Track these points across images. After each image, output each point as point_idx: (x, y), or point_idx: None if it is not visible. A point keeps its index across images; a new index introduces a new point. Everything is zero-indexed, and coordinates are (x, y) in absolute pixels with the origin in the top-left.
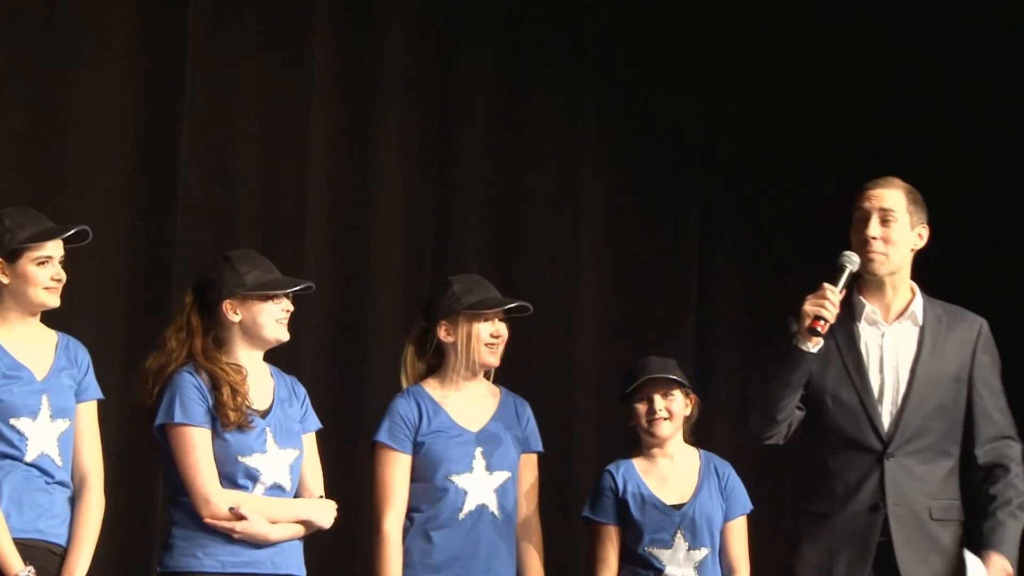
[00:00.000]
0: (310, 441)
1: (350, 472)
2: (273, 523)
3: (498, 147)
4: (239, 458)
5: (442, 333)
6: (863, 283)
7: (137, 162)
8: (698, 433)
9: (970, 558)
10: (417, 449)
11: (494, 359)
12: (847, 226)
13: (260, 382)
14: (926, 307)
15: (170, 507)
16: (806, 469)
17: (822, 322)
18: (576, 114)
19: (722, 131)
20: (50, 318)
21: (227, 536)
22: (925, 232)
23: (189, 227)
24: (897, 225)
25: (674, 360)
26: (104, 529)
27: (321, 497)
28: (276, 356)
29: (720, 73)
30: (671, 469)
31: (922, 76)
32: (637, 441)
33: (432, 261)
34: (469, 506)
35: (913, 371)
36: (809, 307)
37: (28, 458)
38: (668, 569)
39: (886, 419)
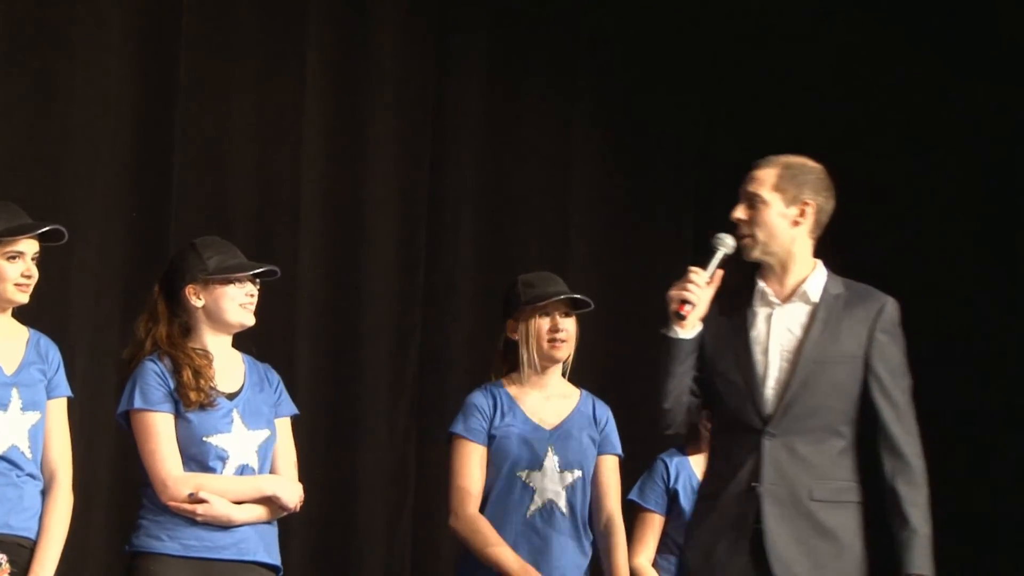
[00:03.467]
0: (284, 427)
1: (344, 463)
2: (238, 503)
3: (491, 145)
4: (204, 438)
5: (509, 330)
6: (762, 265)
7: (133, 159)
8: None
9: None
10: (489, 442)
11: (557, 353)
12: (846, 225)
13: (229, 367)
14: (827, 285)
15: (140, 489)
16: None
17: (687, 306)
18: (569, 112)
19: (719, 131)
20: (48, 315)
21: (192, 520)
22: (810, 206)
23: (184, 225)
24: (764, 206)
25: None
26: (103, 527)
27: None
28: (271, 350)
29: (717, 72)
30: None
31: (921, 75)
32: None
33: (425, 258)
34: (538, 503)
35: (799, 350)
36: (673, 292)
37: None
38: None
39: (769, 398)
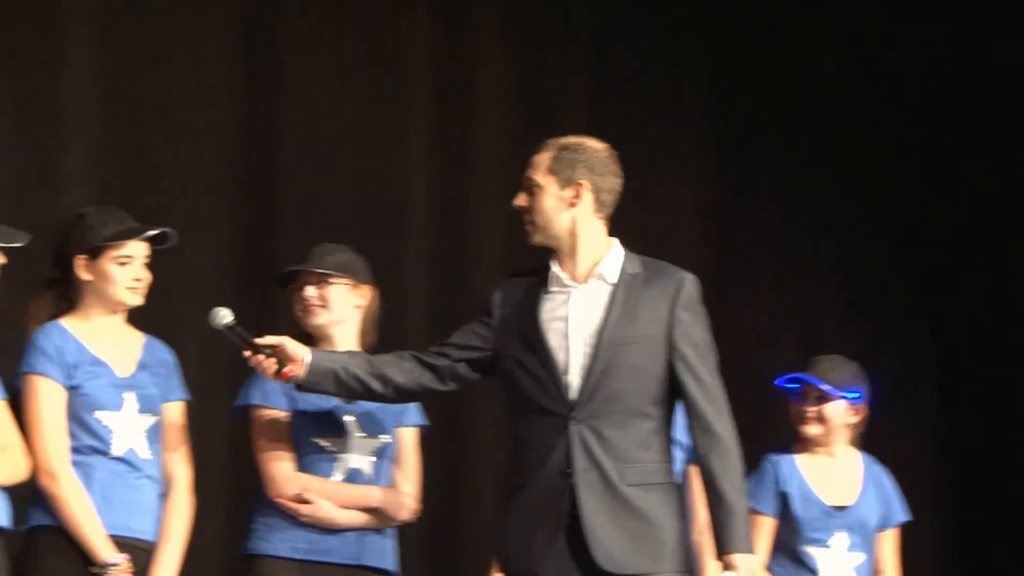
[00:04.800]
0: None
1: (460, 468)
2: (345, 508)
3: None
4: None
5: None
6: (555, 249)
7: (237, 162)
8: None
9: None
10: None
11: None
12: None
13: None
14: (624, 265)
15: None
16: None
17: (277, 373)
18: (678, 113)
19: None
20: (153, 317)
21: (301, 522)
22: (585, 187)
23: (289, 225)
24: (539, 191)
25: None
26: (218, 530)
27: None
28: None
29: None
30: (835, 469)
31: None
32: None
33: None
34: None
35: (600, 332)
36: (267, 376)
37: (115, 452)
38: (822, 571)
39: (573, 383)
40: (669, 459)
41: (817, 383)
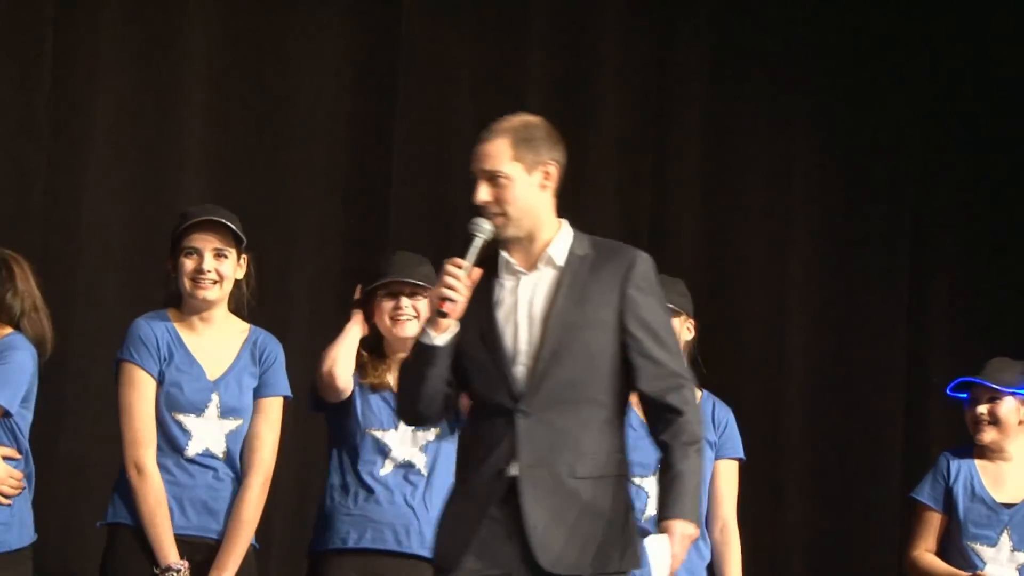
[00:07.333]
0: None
1: None
2: None
3: (710, 152)
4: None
5: None
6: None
7: (350, 163)
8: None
9: (649, 543)
10: None
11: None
12: None
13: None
14: (572, 247)
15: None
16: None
17: (448, 303)
18: (788, 113)
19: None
20: (266, 317)
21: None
22: (552, 165)
23: (402, 227)
24: (508, 181)
25: None
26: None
27: None
28: None
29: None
30: (1008, 468)
31: None
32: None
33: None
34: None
35: (546, 318)
36: (433, 292)
37: (190, 453)
38: (989, 568)
39: (520, 375)
40: (623, 449)
41: (986, 383)
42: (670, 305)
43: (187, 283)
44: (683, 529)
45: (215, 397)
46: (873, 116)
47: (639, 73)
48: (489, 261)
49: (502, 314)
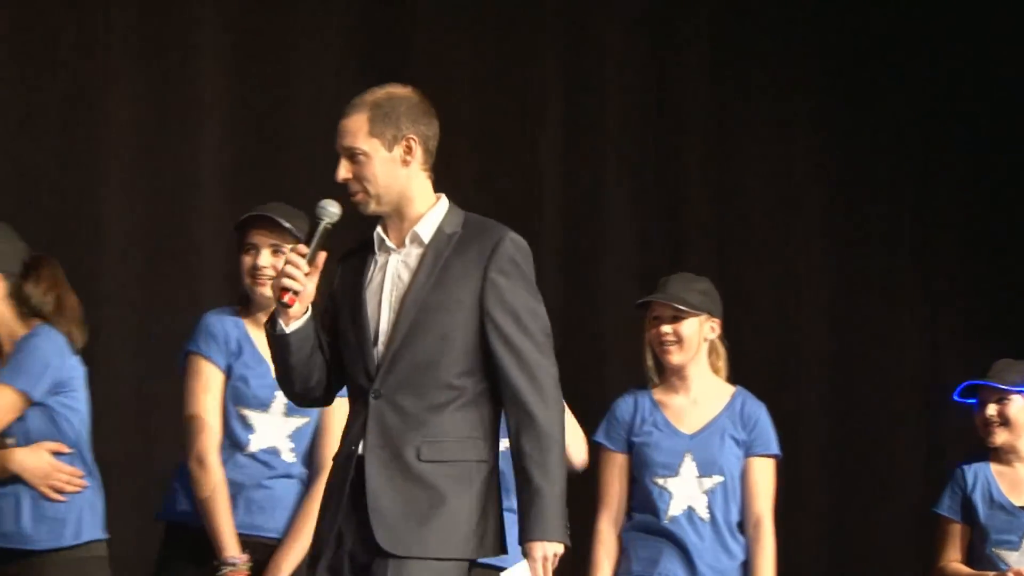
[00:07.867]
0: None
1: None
2: None
3: (711, 153)
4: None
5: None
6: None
7: None
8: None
9: (515, 571)
10: (629, 449)
11: (669, 358)
12: None
13: None
14: (442, 224)
15: None
16: None
17: (289, 294)
18: (788, 113)
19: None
20: None
21: None
22: (415, 139)
23: None
24: (366, 158)
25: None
26: None
27: None
28: None
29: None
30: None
31: None
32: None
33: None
34: (676, 509)
35: (403, 299)
36: (275, 283)
37: (251, 448)
38: (1012, 572)
39: (378, 354)
40: (486, 436)
41: (993, 385)
42: (681, 307)
43: (247, 280)
44: (544, 551)
45: (280, 395)
46: (873, 116)
47: (640, 73)
48: (369, 240)
49: (370, 292)
